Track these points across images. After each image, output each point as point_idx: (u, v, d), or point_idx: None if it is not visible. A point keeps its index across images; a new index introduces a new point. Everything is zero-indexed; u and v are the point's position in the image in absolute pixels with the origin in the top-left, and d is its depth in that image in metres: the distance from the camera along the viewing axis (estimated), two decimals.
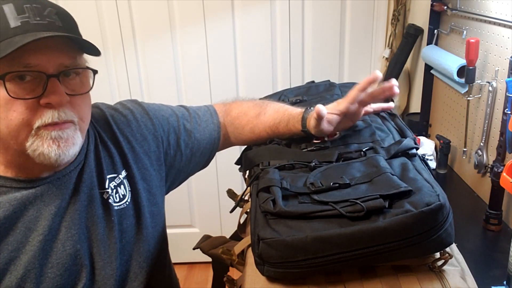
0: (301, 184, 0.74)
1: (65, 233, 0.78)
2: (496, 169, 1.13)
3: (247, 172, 0.94)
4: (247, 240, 0.81)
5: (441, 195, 0.63)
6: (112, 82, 2.12)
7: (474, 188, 1.37)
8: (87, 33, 0.80)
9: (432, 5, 1.61)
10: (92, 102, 0.85)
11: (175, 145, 0.97)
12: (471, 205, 1.31)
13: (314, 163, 0.79)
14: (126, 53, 2.08)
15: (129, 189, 0.87)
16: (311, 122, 0.89)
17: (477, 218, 1.20)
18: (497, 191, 1.15)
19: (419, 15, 1.86)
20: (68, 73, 0.74)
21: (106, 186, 0.84)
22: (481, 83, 1.29)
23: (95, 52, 0.74)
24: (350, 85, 1.19)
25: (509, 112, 1.09)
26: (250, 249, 0.77)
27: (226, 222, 2.34)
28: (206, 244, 0.96)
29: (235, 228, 1.00)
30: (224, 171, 2.27)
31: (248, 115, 1.01)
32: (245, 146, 1.05)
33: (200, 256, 1.04)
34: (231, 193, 1.03)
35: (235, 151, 1.07)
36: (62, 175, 0.80)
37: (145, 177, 0.91)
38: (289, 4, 2.02)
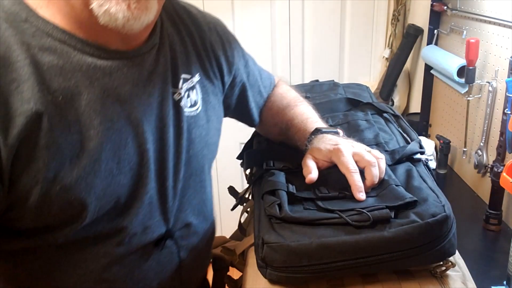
0: (306, 188, 0.74)
1: (135, 127, 0.65)
2: (496, 169, 1.13)
3: (248, 169, 0.94)
4: (248, 240, 0.81)
5: (446, 206, 0.64)
6: None
7: (474, 188, 1.37)
8: None
9: (432, 5, 1.61)
10: None
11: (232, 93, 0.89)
12: (471, 205, 1.31)
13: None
14: None
15: (201, 96, 0.77)
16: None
17: (477, 218, 1.20)
18: (497, 191, 1.15)
19: (419, 15, 1.86)
20: None
21: (179, 86, 0.72)
22: (481, 83, 1.30)
23: None
24: (354, 86, 1.20)
25: (509, 112, 1.09)
26: (250, 249, 0.77)
27: (226, 222, 2.34)
28: None
29: (235, 228, 1.00)
30: (224, 171, 2.27)
31: (282, 101, 0.96)
32: (246, 143, 1.05)
33: None
34: (232, 190, 1.03)
35: (235, 150, 1.07)
36: (134, 55, 0.65)
37: (215, 93, 0.82)
38: (289, 4, 2.02)
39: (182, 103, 0.72)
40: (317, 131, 0.83)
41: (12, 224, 0.59)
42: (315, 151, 0.79)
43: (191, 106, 0.74)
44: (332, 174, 0.76)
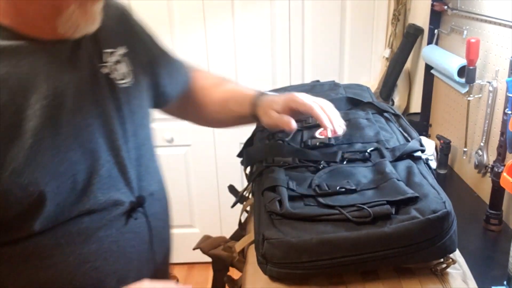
0: (306, 185, 0.74)
1: (73, 103, 0.66)
2: (496, 169, 1.13)
3: (248, 168, 0.94)
4: (248, 237, 0.81)
5: (447, 203, 0.64)
6: None
7: (475, 188, 1.37)
8: None
9: (432, 5, 1.61)
10: None
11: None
12: (472, 205, 1.31)
13: (322, 165, 0.79)
14: None
15: (132, 69, 0.78)
16: (264, 118, 0.86)
17: (478, 218, 1.20)
18: (497, 191, 1.15)
19: (420, 15, 1.86)
20: None
21: (105, 60, 0.74)
22: (481, 83, 1.29)
23: None
24: (354, 86, 1.19)
25: (510, 112, 1.09)
26: (250, 247, 0.77)
27: (226, 222, 2.34)
28: (206, 244, 0.95)
29: (235, 228, 1.00)
30: (224, 171, 2.27)
31: (207, 80, 1.00)
32: (246, 141, 1.05)
33: (200, 256, 1.04)
34: (232, 189, 1.03)
35: (235, 150, 1.07)
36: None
37: (143, 66, 0.83)
38: (289, 4, 2.02)
39: (112, 76, 0.74)
40: (261, 93, 0.90)
41: None
42: (270, 105, 0.85)
43: (122, 78, 0.76)
44: (333, 171, 0.76)
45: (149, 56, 0.87)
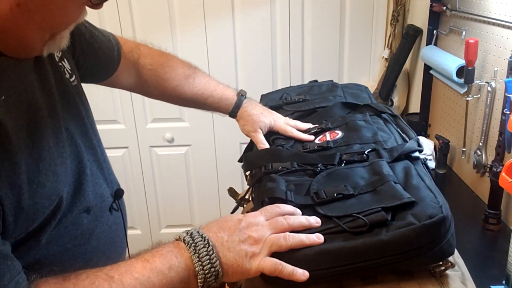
0: (305, 191, 0.74)
1: (64, 111, 0.69)
2: (495, 169, 1.14)
3: (249, 171, 0.94)
4: None
5: (444, 207, 0.63)
6: None
7: (473, 188, 1.37)
8: None
9: (431, 6, 1.61)
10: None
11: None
12: (470, 205, 1.31)
13: (319, 168, 0.79)
14: None
15: (72, 67, 0.78)
16: (243, 128, 1.02)
17: (476, 218, 1.20)
18: (496, 191, 1.16)
19: (418, 15, 1.86)
20: None
21: (57, 61, 0.74)
22: (480, 83, 1.30)
23: None
24: (353, 86, 1.19)
25: (508, 112, 1.09)
26: None
27: None
28: None
29: None
30: (224, 171, 2.27)
31: (176, 71, 1.02)
32: (246, 146, 1.05)
33: None
34: (232, 192, 1.03)
35: (235, 150, 1.08)
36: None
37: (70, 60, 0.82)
38: (289, 4, 2.02)
39: (67, 75, 0.74)
40: (240, 97, 1.03)
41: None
42: (254, 124, 1.00)
43: (71, 76, 0.76)
44: (330, 174, 0.76)
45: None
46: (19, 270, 0.54)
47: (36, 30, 0.60)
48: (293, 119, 1.03)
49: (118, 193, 0.82)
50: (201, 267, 0.60)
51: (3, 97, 0.58)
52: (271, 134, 1.00)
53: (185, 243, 0.63)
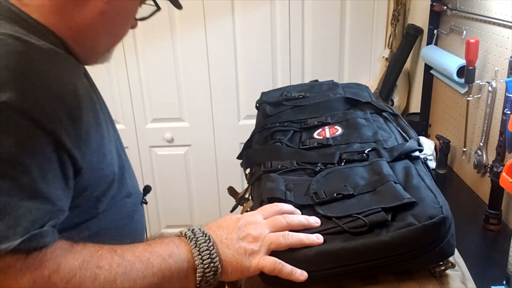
0: (304, 191, 0.73)
1: (110, 119, 0.78)
2: (495, 169, 1.13)
3: (248, 169, 0.94)
4: None
5: (444, 207, 0.63)
6: (112, 82, 2.13)
7: (474, 188, 1.37)
8: None
9: (432, 5, 1.61)
10: None
11: None
12: (471, 205, 1.31)
13: (319, 168, 0.79)
14: (126, 53, 2.08)
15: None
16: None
17: (477, 218, 1.20)
18: (496, 191, 1.15)
19: (419, 15, 1.86)
20: None
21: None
22: (480, 83, 1.30)
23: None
24: (353, 86, 1.19)
25: (509, 112, 1.09)
26: None
27: None
28: None
29: None
30: (224, 171, 2.27)
31: None
32: (245, 142, 1.05)
33: None
34: (231, 191, 1.03)
35: (235, 150, 1.07)
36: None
37: None
38: (289, 4, 2.02)
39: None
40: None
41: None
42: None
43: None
44: (330, 174, 0.76)
45: None
46: (52, 218, 0.55)
47: (109, 39, 0.69)
48: (292, 113, 1.01)
49: (147, 189, 0.88)
50: (200, 261, 0.61)
51: (84, 79, 0.66)
52: (269, 127, 0.98)
53: (186, 237, 0.64)
